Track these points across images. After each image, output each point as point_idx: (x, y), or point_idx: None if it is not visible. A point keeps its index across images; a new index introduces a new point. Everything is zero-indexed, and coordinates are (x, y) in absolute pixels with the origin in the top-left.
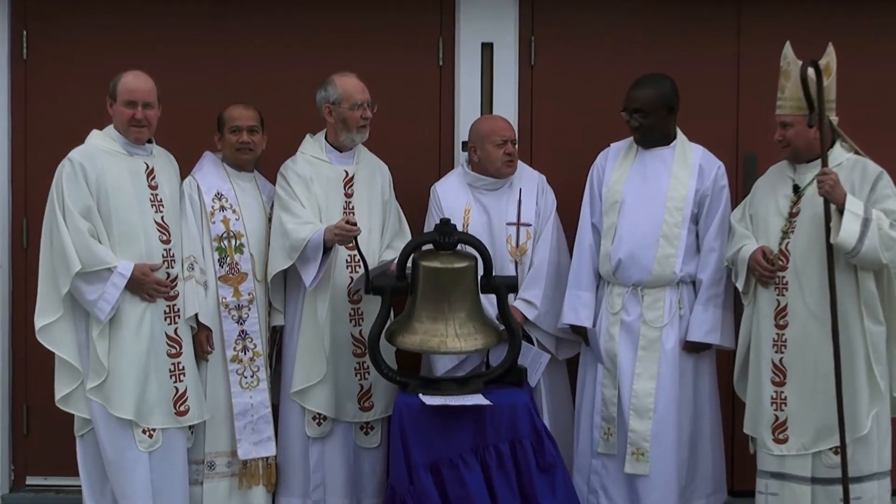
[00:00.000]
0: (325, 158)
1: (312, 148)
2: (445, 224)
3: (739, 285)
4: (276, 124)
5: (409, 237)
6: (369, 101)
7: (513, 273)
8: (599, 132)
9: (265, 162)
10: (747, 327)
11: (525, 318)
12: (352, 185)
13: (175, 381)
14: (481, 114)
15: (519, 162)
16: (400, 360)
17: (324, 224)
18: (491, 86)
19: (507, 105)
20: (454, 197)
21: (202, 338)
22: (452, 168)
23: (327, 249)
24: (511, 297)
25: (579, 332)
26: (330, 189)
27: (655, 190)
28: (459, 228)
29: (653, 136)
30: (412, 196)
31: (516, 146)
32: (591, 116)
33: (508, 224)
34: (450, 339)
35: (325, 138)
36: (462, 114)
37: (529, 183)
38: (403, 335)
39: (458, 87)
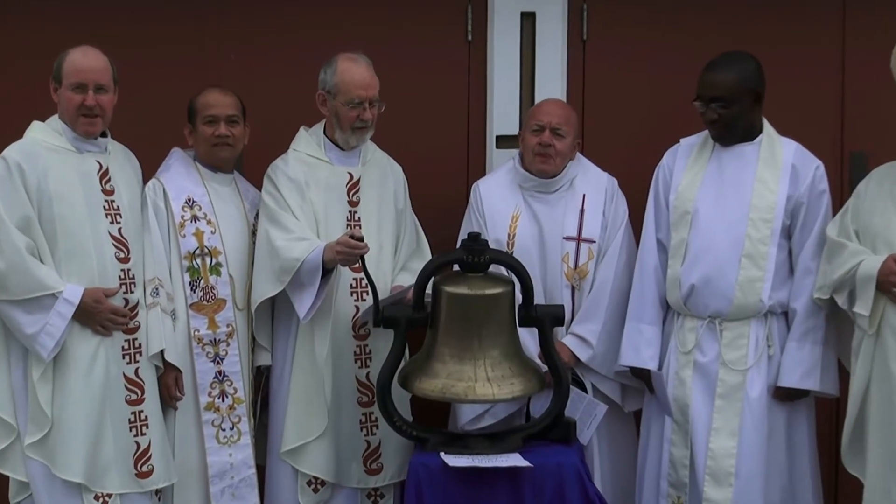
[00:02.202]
0: (323, 157)
1: (308, 144)
2: (475, 239)
3: (863, 309)
4: (261, 114)
5: (428, 257)
6: (374, 99)
7: (568, 301)
8: (667, 125)
9: (248, 161)
10: (866, 369)
11: (576, 358)
12: (357, 191)
13: (136, 435)
14: (520, 100)
15: (584, 159)
16: (417, 410)
17: (322, 240)
18: (532, 66)
19: (551, 89)
20: (500, 199)
21: (169, 380)
22: (483, 170)
23: (327, 272)
24: (560, 331)
25: (641, 377)
26: (330, 196)
27: (737, 197)
28: (503, 240)
29: (734, 130)
30: (432, 205)
31: (563, 138)
32: (658, 105)
33: (566, 239)
34: (479, 385)
35: (324, 132)
36: (496, 101)
37: (596, 187)
38: (421, 379)
39: (491, 68)
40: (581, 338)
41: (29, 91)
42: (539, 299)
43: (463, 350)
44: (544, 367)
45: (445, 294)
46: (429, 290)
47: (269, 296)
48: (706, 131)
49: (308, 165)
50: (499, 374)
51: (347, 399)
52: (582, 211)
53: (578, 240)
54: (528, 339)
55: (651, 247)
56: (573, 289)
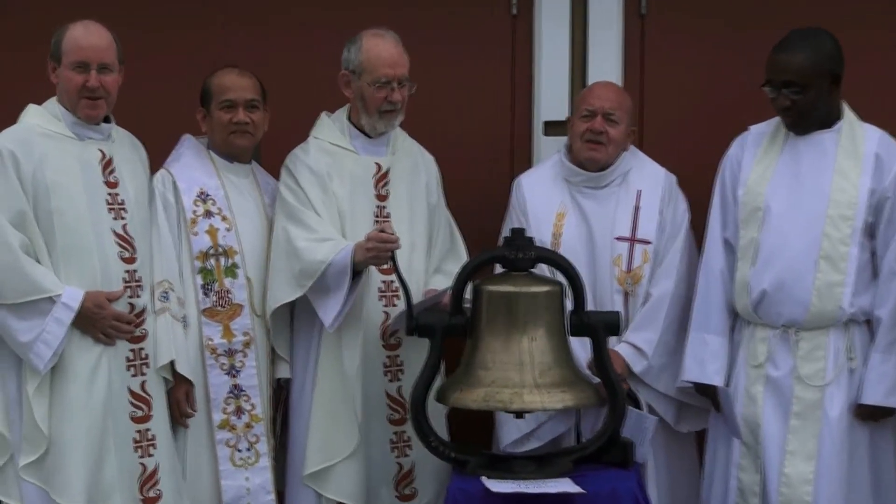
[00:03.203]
0: (348, 146)
1: (330, 131)
2: (519, 235)
3: None
4: (280, 98)
5: (464, 258)
6: (403, 78)
7: (621, 308)
8: (736, 111)
9: (266, 150)
10: None
11: (629, 369)
12: (386, 184)
13: (142, 456)
14: (570, 82)
15: (639, 153)
16: (455, 429)
17: (349, 240)
18: (584, 44)
19: (606, 70)
20: (544, 195)
21: (180, 395)
22: (529, 161)
23: (356, 275)
24: (612, 340)
25: (706, 394)
26: (355, 189)
27: (813, 191)
28: (548, 241)
29: (810, 117)
30: (470, 202)
31: (616, 124)
32: (725, 88)
33: (618, 239)
34: (527, 392)
35: (348, 118)
36: (543, 83)
37: (652, 183)
38: (460, 390)
39: (538, 46)
40: (636, 347)
41: (25, 72)
42: (588, 306)
43: (508, 355)
44: (595, 380)
45: (487, 293)
46: (468, 294)
47: (285, 301)
48: (777, 118)
49: (331, 155)
50: (548, 381)
51: (376, 416)
52: (637, 209)
53: (632, 240)
54: (580, 349)
55: (717, 248)
56: (626, 294)
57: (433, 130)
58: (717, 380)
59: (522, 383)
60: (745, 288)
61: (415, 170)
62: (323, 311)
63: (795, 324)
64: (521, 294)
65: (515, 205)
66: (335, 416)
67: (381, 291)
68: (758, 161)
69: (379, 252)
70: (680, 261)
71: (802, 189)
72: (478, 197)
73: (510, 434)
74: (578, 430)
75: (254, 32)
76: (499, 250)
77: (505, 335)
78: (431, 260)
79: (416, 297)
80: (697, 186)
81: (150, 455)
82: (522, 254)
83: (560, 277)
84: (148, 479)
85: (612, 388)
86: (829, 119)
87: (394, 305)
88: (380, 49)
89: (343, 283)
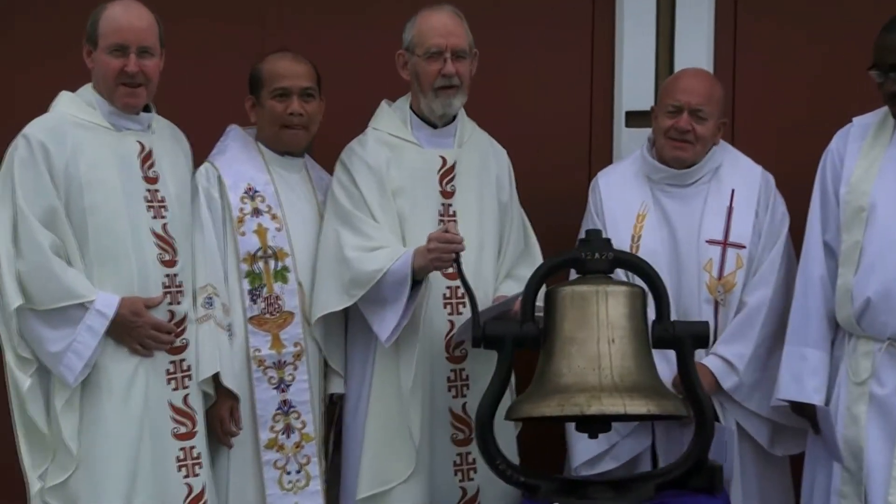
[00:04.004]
0: (410, 138)
1: (390, 121)
2: (596, 237)
3: None
4: (337, 85)
5: (538, 261)
6: (460, 50)
7: (711, 319)
8: (838, 101)
9: (320, 142)
10: None
11: (717, 384)
12: (452, 179)
13: (187, 476)
14: (655, 68)
15: (731, 147)
16: (525, 450)
17: (409, 244)
18: (671, 25)
19: (694, 56)
20: (624, 195)
21: (224, 412)
22: (610, 155)
23: (416, 284)
24: (699, 353)
25: (804, 413)
26: (418, 185)
27: None
28: (626, 244)
29: None
30: (546, 200)
31: (704, 121)
32: (829, 77)
33: (709, 242)
34: (606, 395)
35: (411, 107)
36: (625, 69)
37: (747, 181)
38: (532, 401)
39: (620, 28)
40: (726, 361)
41: (58, 56)
42: (672, 317)
43: (585, 359)
44: (679, 396)
45: (562, 295)
46: (540, 302)
47: (332, 310)
48: (885, 108)
49: (391, 148)
50: (629, 384)
51: (439, 436)
52: (730, 209)
53: (725, 244)
54: (660, 365)
55: (817, 252)
56: (716, 304)
57: (506, 121)
58: (816, 398)
59: (601, 386)
60: (848, 296)
61: (484, 164)
62: (378, 323)
63: None
64: (598, 293)
65: (592, 206)
66: (392, 437)
67: (446, 298)
68: (862, 156)
69: (441, 254)
70: (779, 268)
71: None
72: (554, 195)
73: (582, 454)
74: (654, 452)
75: (305, 10)
76: (572, 252)
77: (581, 339)
78: (502, 264)
79: (484, 305)
80: (796, 186)
81: (195, 475)
82: (599, 254)
83: (641, 284)
84: (195, 501)
85: (700, 405)
86: None
87: (459, 314)
88: (432, 19)
89: (402, 293)
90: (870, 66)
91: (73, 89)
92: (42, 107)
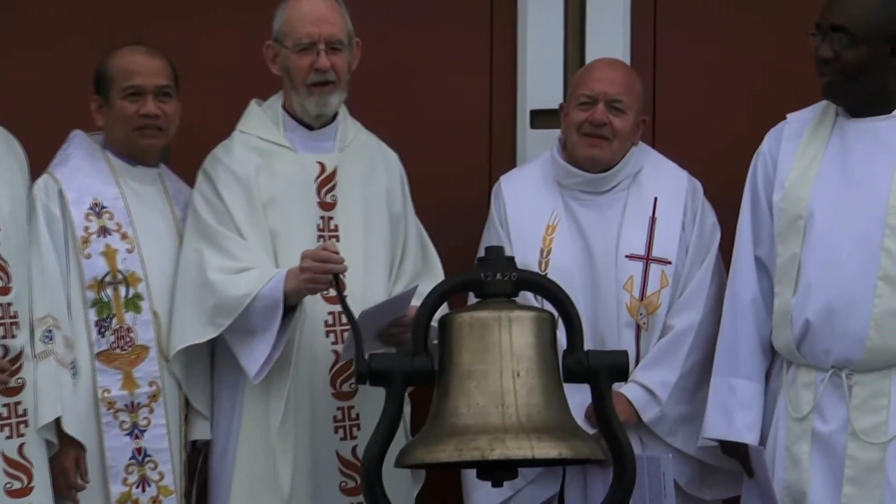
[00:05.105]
0: (282, 141)
1: (260, 123)
2: (497, 254)
3: None
4: (197, 83)
5: (440, 278)
6: (335, 41)
7: (632, 345)
8: (771, 96)
9: (178, 148)
10: None
11: (636, 415)
12: (332, 189)
13: None
14: (564, 62)
15: (653, 150)
16: (424, 500)
17: (283, 264)
18: (582, 14)
19: (611, 45)
20: (531, 203)
21: (68, 462)
22: (513, 159)
23: (289, 309)
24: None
25: (736, 454)
26: (292, 195)
27: (869, 193)
28: (534, 260)
29: (854, 81)
30: (444, 210)
31: (622, 114)
32: (760, 69)
33: (629, 258)
34: (510, 437)
35: (283, 107)
36: (530, 64)
37: (672, 188)
38: (428, 445)
39: (523, 17)
40: (647, 389)
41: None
42: (587, 344)
43: (486, 396)
44: (593, 431)
45: (459, 323)
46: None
47: (194, 343)
48: (823, 102)
49: (261, 154)
50: (538, 424)
51: (326, 485)
52: (653, 219)
53: (647, 259)
54: (570, 393)
55: (748, 270)
56: (638, 328)
57: (396, 121)
58: (748, 436)
59: (504, 427)
60: (786, 319)
61: (371, 170)
62: (247, 357)
63: (849, 364)
64: (500, 319)
65: (495, 215)
66: (263, 488)
67: (329, 325)
68: (798, 157)
69: (316, 275)
70: (709, 287)
71: (855, 190)
72: (453, 204)
73: (484, 501)
74: (562, 499)
75: None
76: (469, 274)
77: (481, 372)
78: (396, 283)
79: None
80: (726, 195)
81: None
82: (501, 275)
83: (550, 308)
84: None
85: (619, 446)
86: (884, 101)
87: (342, 341)
88: (303, 6)
89: (273, 320)
90: (811, 30)
91: (69, 80)
92: (31, 99)
